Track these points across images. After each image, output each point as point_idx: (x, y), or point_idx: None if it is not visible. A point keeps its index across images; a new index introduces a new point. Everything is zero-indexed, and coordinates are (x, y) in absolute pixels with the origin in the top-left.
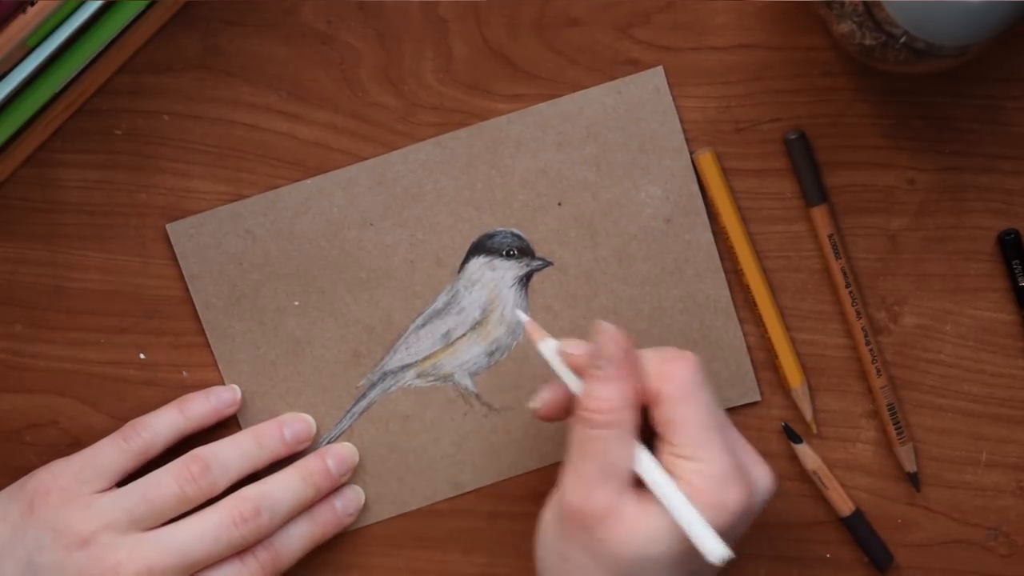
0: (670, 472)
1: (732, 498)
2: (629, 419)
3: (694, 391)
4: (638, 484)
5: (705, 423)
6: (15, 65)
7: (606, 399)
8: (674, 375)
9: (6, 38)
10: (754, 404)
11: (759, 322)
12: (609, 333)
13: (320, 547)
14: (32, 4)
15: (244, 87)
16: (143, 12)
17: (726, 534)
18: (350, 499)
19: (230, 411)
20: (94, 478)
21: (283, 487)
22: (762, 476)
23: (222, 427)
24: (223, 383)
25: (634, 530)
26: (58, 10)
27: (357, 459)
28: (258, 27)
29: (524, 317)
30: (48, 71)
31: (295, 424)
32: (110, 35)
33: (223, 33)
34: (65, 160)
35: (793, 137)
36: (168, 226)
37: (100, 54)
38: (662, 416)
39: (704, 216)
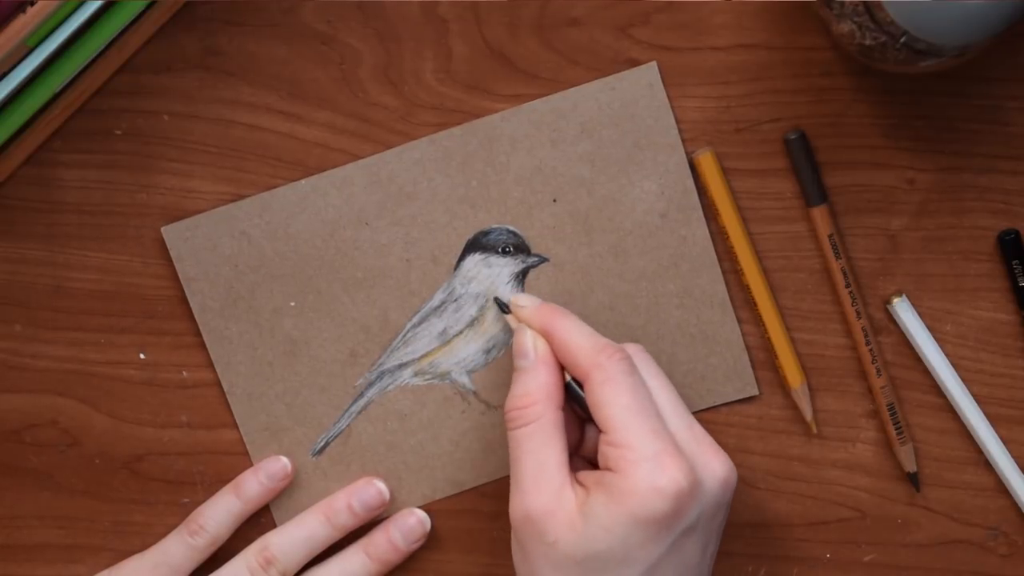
0: (604, 464)
1: (665, 481)
2: (551, 410)
3: (620, 376)
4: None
5: (631, 407)
6: (15, 65)
7: (522, 394)
8: (601, 359)
9: (6, 38)
10: (754, 404)
11: (759, 322)
12: (523, 313)
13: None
14: (32, 4)
15: (244, 87)
16: (143, 12)
17: (670, 517)
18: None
19: (283, 484)
20: None
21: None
22: (713, 463)
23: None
24: (221, 385)
25: (577, 526)
26: (58, 10)
27: (428, 527)
28: (258, 27)
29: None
30: (48, 71)
31: (365, 493)
32: (110, 35)
33: (223, 33)
34: (65, 160)
35: (793, 137)
36: (163, 229)
37: (100, 54)
38: (590, 399)
39: (699, 211)
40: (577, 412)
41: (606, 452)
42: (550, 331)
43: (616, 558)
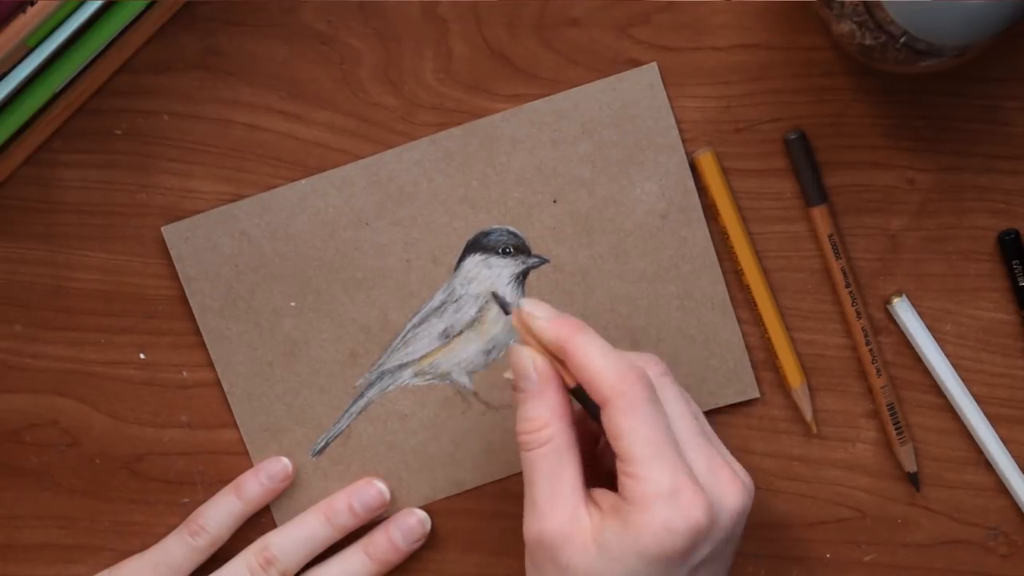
0: (620, 490)
1: (680, 521)
2: (562, 430)
3: (641, 405)
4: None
5: (650, 439)
6: (15, 65)
7: (532, 417)
8: (623, 387)
9: (6, 38)
10: (754, 404)
11: (759, 322)
12: (537, 325)
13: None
14: (32, 4)
15: (244, 87)
16: (143, 12)
17: (683, 555)
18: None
19: (283, 485)
20: None
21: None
22: (729, 496)
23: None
24: (221, 385)
25: (589, 552)
26: (58, 10)
27: (428, 527)
28: (258, 27)
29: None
30: (48, 71)
31: (365, 494)
32: (110, 35)
33: (223, 33)
34: (65, 160)
35: (793, 137)
36: (164, 229)
37: (100, 54)
38: (608, 427)
39: (700, 212)
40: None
41: (623, 481)
42: (567, 349)
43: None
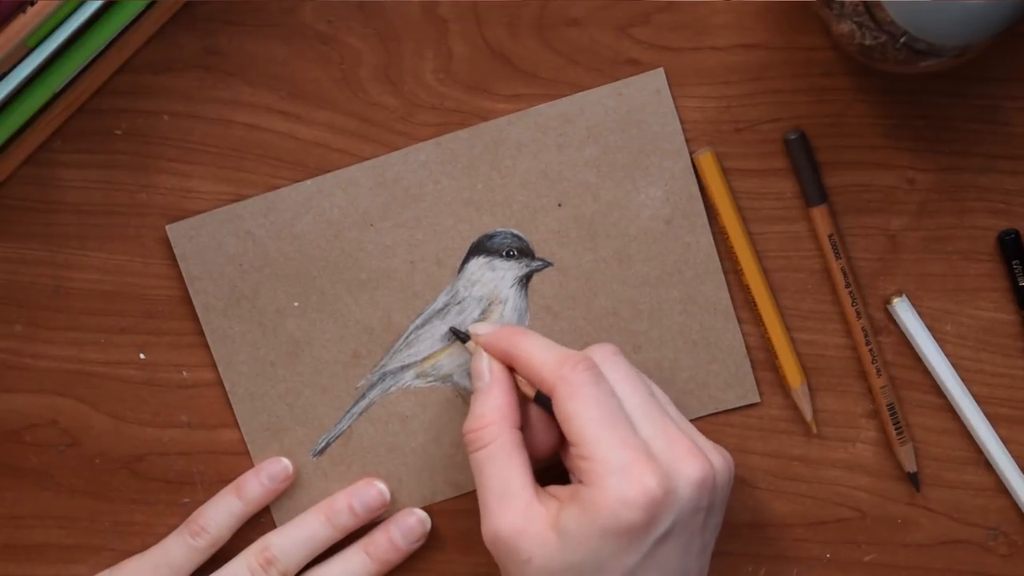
0: (576, 477)
1: (634, 493)
2: (506, 430)
3: (586, 388)
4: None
5: (599, 418)
6: (15, 65)
7: (478, 415)
8: (563, 373)
9: (6, 38)
10: (754, 404)
11: (759, 322)
12: (481, 340)
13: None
14: (32, 4)
15: (244, 87)
16: (143, 12)
17: (643, 527)
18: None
19: (284, 486)
20: None
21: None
22: (686, 467)
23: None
24: (222, 384)
25: (550, 541)
26: (58, 10)
27: (428, 526)
28: (258, 27)
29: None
30: (48, 71)
31: (365, 494)
32: (110, 35)
33: (223, 33)
34: (65, 160)
35: (793, 137)
36: (168, 227)
37: (100, 54)
38: (558, 415)
39: (704, 218)
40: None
41: (577, 465)
42: (511, 352)
43: (590, 569)
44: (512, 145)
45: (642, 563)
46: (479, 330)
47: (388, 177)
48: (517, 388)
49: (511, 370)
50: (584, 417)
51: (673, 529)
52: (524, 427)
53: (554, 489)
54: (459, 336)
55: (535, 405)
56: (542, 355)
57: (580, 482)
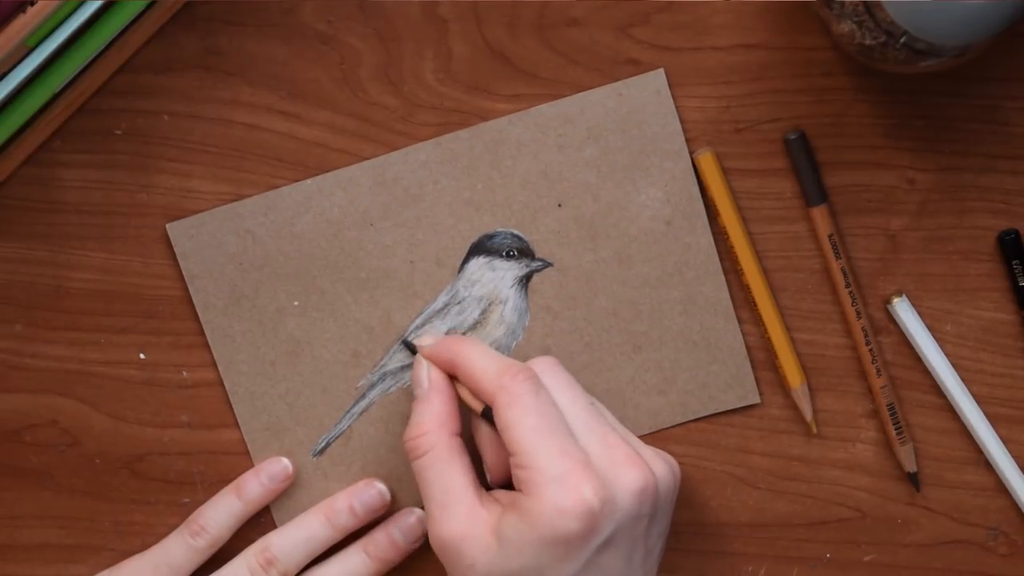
0: (516, 485)
1: (571, 502)
2: (444, 438)
3: (525, 397)
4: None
5: (537, 427)
6: (15, 65)
7: (417, 423)
8: (502, 382)
9: (6, 38)
10: (754, 404)
11: (759, 322)
12: (425, 350)
13: None
14: (32, 4)
15: (244, 87)
16: (143, 12)
17: (580, 536)
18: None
19: (284, 486)
20: None
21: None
22: (625, 476)
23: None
24: (223, 383)
25: (491, 548)
26: (58, 10)
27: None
28: (258, 27)
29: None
30: (48, 71)
31: (366, 494)
32: (110, 35)
33: (223, 33)
34: (65, 160)
35: (793, 137)
36: (168, 226)
37: (100, 54)
38: (498, 425)
39: (704, 219)
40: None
41: (517, 474)
42: (454, 361)
43: (533, 570)
44: (512, 145)
45: (583, 571)
46: (423, 342)
47: (388, 177)
48: (460, 399)
49: (453, 379)
50: (522, 426)
51: (614, 537)
52: (478, 443)
53: (498, 494)
54: (410, 348)
55: (484, 421)
56: (483, 364)
57: (519, 490)
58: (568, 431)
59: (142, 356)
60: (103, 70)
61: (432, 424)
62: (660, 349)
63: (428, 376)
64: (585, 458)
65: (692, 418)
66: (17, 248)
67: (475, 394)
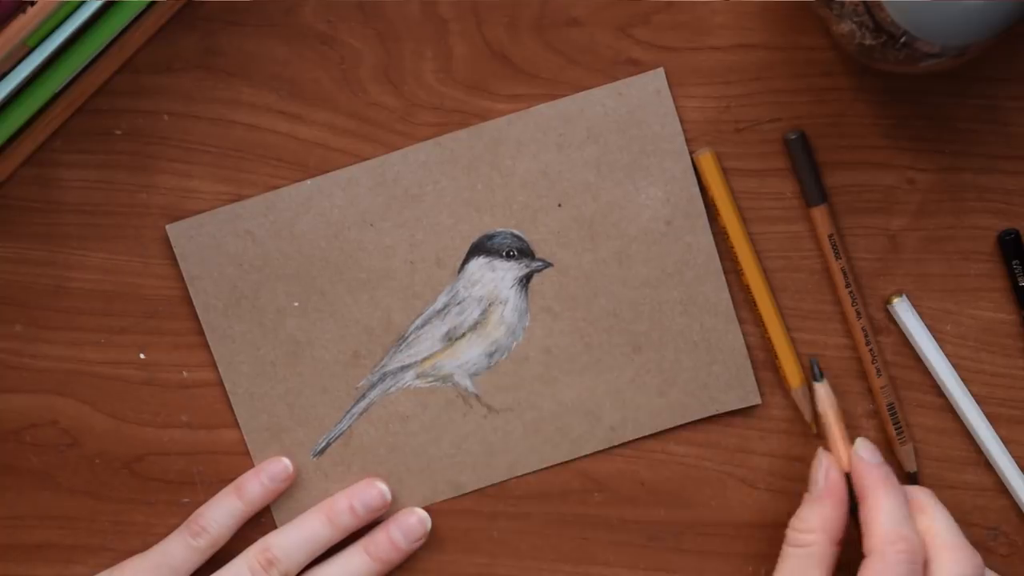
0: None
1: None
2: (822, 543)
3: (893, 568)
4: None
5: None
6: (15, 65)
7: (803, 518)
8: (885, 550)
9: (6, 38)
10: (754, 405)
11: (759, 322)
12: (858, 464)
13: None
14: (32, 4)
15: (244, 87)
16: (143, 12)
17: None
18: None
19: (284, 486)
20: None
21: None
22: None
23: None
24: (223, 384)
25: None
26: (58, 10)
27: (429, 526)
28: (258, 27)
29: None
30: (48, 71)
31: (366, 494)
32: (110, 35)
33: (223, 33)
34: (65, 160)
35: (793, 137)
36: (168, 227)
37: (100, 54)
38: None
39: (704, 219)
40: None
41: None
42: (864, 495)
43: None
44: (512, 145)
45: None
46: (863, 451)
47: (388, 177)
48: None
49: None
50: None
51: None
52: None
53: None
54: (815, 372)
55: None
56: (880, 518)
57: None
58: None
59: (142, 356)
60: (103, 70)
61: (816, 525)
62: (660, 349)
63: (826, 476)
64: None
65: (692, 420)
66: (17, 248)
67: (862, 529)
